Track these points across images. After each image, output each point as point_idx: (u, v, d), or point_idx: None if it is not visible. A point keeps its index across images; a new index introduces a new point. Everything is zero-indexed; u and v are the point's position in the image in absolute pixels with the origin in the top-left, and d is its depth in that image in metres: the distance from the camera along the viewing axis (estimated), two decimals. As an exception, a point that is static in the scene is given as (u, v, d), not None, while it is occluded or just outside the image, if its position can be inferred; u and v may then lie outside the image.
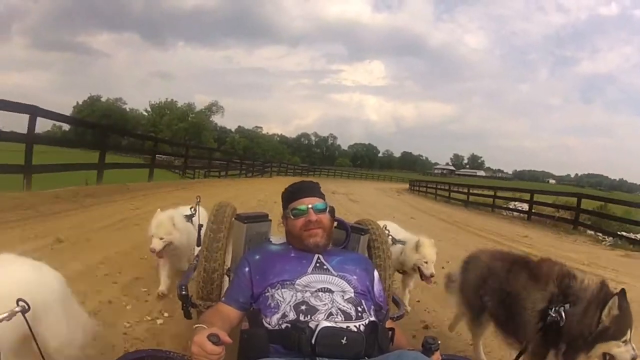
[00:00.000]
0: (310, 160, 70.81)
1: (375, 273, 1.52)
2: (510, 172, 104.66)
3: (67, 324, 1.33)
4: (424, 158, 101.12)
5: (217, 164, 16.03)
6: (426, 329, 2.74)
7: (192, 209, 2.83)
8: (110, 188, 7.22)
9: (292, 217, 1.47)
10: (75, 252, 3.38)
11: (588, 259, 6.00)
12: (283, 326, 1.22)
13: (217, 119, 53.76)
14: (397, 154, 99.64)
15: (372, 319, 1.27)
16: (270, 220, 1.84)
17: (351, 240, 1.80)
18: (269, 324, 1.25)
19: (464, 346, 2.44)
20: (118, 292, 2.73)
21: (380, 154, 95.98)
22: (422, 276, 2.79)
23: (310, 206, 1.46)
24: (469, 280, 2.11)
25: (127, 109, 56.58)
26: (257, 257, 1.45)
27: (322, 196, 1.54)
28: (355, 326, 1.22)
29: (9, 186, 5.45)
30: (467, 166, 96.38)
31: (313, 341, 1.13)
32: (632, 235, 8.41)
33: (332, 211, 1.53)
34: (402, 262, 2.85)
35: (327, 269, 1.39)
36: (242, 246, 1.73)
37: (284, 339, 1.18)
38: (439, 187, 19.87)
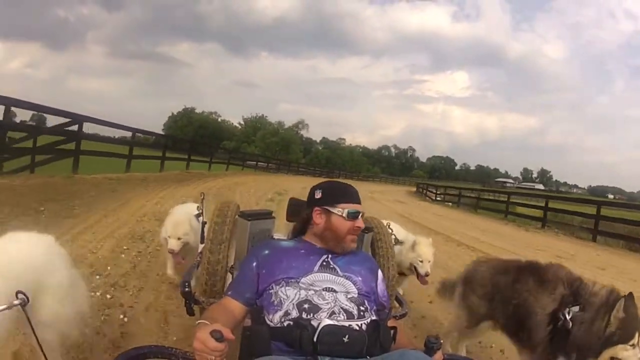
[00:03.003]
0: (390, 170, 70.70)
1: (380, 272, 1.51)
2: (585, 187, 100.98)
3: (61, 301, 1.41)
4: (503, 171, 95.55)
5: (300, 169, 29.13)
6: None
7: (199, 208, 2.63)
8: (232, 172, 16.26)
9: (346, 217, 1.43)
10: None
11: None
12: (285, 324, 1.21)
13: (303, 132, 59.58)
14: (472, 167, 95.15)
15: (374, 317, 1.27)
16: (274, 218, 1.82)
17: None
18: (271, 321, 1.24)
19: (468, 346, 2.43)
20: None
21: (457, 167, 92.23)
22: (418, 276, 2.77)
23: (361, 213, 1.46)
24: (472, 298, 2.13)
25: (219, 120, 62.53)
26: (266, 252, 1.43)
27: None
28: (357, 325, 1.21)
29: (115, 168, 8.86)
30: (537, 180, 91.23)
31: (315, 339, 1.13)
32: (446, 200, 18.14)
33: None
34: (399, 262, 2.76)
35: (334, 268, 1.38)
36: (246, 243, 1.73)
37: (286, 337, 1.17)
38: (429, 189, 24.50)
